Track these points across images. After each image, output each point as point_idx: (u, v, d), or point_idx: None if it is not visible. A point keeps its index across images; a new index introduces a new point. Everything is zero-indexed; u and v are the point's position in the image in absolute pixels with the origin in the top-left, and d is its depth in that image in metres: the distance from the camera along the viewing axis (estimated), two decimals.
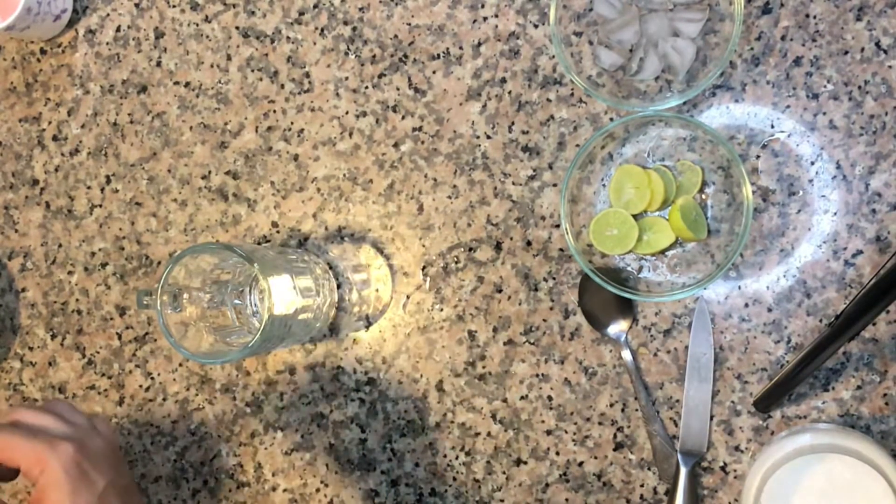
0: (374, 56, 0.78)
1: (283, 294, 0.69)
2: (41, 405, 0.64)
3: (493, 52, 0.75)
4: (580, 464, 0.73)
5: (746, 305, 0.70)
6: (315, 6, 0.79)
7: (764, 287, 0.69)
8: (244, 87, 0.81)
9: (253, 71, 0.81)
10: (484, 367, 0.75)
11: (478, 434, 0.75)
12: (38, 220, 0.87)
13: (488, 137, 0.75)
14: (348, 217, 0.78)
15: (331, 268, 0.78)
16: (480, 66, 0.75)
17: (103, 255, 0.85)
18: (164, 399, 0.83)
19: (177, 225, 0.83)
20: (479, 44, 0.75)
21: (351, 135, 0.78)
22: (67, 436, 0.59)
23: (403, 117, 0.77)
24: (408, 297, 0.77)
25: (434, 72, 0.76)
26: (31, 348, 0.87)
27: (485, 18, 0.75)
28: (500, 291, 0.75)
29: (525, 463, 0.74)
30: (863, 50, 0.68)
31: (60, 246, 0.86)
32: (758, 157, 0.70)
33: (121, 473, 0.61)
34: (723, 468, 0.70)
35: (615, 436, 0.72)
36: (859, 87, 0.68)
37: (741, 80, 0.70)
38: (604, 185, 0.72)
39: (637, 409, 0.72)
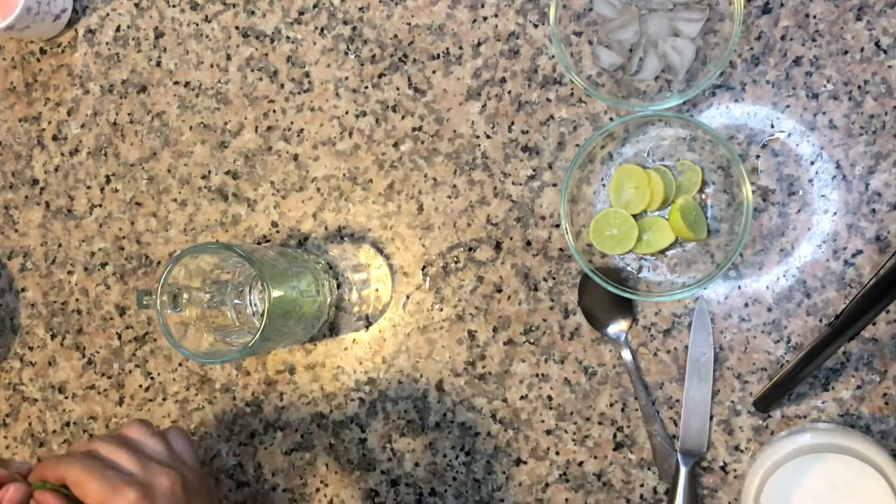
0: (373, 56, 0.78)
1: (283, 294, 0.69)
2: (118, 433, 0.65)
3: (492, 51, 0.75)
4: (580, 464, 0.73)
5: (746, 305, 0.70)
6: (315, 6, 0.79)
7: (764, 287, 0.69)
8: (244, 86, 0.81)
9: (253, 71, 0.81)
10: (484, 367, 0.75)
11: (478, 434, 0.75)
12: (37, 220, 0.87)
13: (488, 137, 0.75)
14: (348, 217, 0.78)
15: (331, 268, 0.78)
16: (480, 65, 0.75)
17: (103, 255, 0.85)
18: (164, 399, 0.83)
19: (177, 225, 0.83)
20: (479, 44, 0.75)
21: (351, 135, 0.78)
22: (134, 478, 0.60)
23: (403, 117, 0.77)
24: (408, 296, 0.77)
25: (434, 72, 0.76)
26: (31, 348, 0.87)
27: (485, 18, 0.75)
28: (499, 291, 0.75)
29: (525, 463, 0.74)
30: (863, 50, 0.68)
31: (60, 246, 0.86)
32: (758, 156, 0.70)
33: None
34: (723, 468, 0.70)
35: (615, 436, 0.72)
36: (859, 87, 0.68)
37: (741, 80, 0.70)
38: (604, 185, 0.72)
39: (637, 409, 0.72)
